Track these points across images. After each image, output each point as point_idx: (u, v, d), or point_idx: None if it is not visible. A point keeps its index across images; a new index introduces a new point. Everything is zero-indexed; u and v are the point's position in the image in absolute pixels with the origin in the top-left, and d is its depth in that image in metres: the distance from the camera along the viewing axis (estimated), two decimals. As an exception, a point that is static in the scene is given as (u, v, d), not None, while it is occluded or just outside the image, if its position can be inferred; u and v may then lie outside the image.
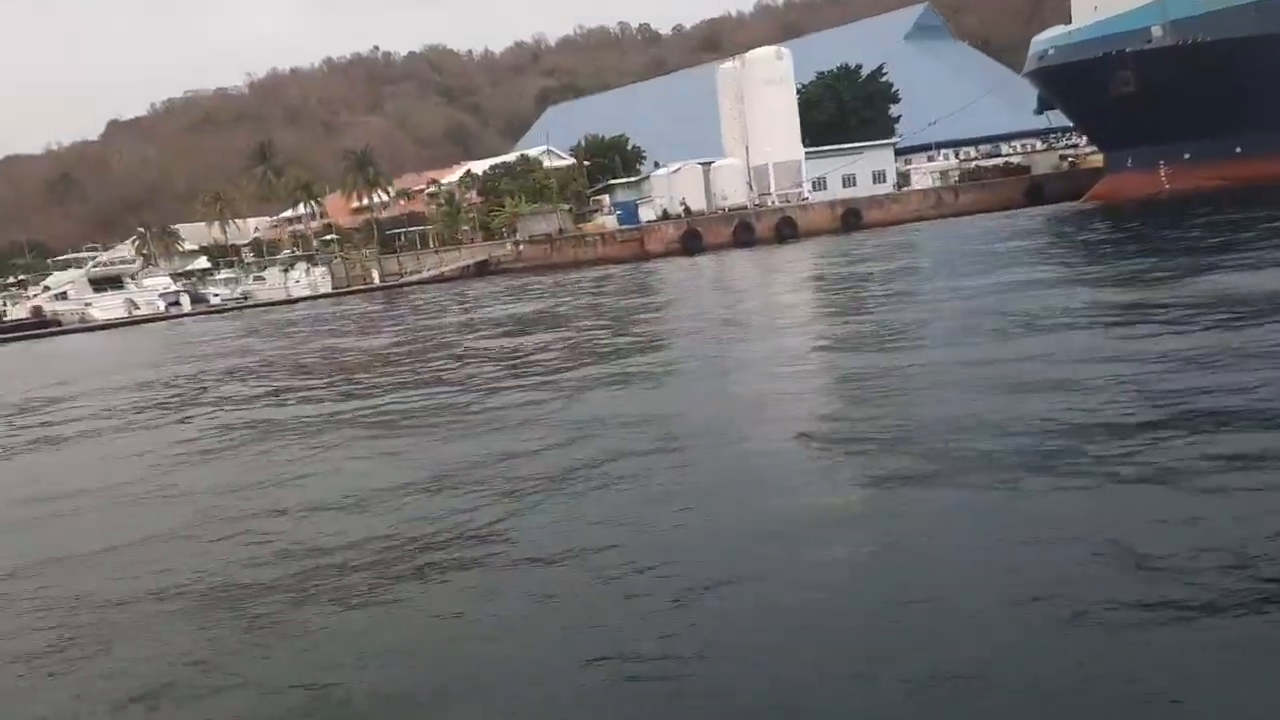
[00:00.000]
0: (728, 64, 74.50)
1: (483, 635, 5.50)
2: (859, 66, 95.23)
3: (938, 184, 77.11)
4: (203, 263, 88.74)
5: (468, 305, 36.79)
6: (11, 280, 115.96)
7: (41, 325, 57.14)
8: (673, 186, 70.74)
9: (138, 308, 60.42)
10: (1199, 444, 7.32)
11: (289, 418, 14.03)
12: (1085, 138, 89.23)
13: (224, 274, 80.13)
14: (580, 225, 74.99)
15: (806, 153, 72.45)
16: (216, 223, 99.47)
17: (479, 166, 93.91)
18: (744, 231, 63.59)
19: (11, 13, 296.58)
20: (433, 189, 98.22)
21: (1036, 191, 67.62)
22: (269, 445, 12.07)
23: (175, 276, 76.69)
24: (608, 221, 73.38)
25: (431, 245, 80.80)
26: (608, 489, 8.02)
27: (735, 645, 4.99)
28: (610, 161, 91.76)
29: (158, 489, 10.02)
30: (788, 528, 6.61)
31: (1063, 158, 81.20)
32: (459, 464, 9.53)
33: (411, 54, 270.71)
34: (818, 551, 6.11)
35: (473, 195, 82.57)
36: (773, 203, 68.76)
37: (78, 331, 55.43)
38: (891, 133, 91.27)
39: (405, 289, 64.94)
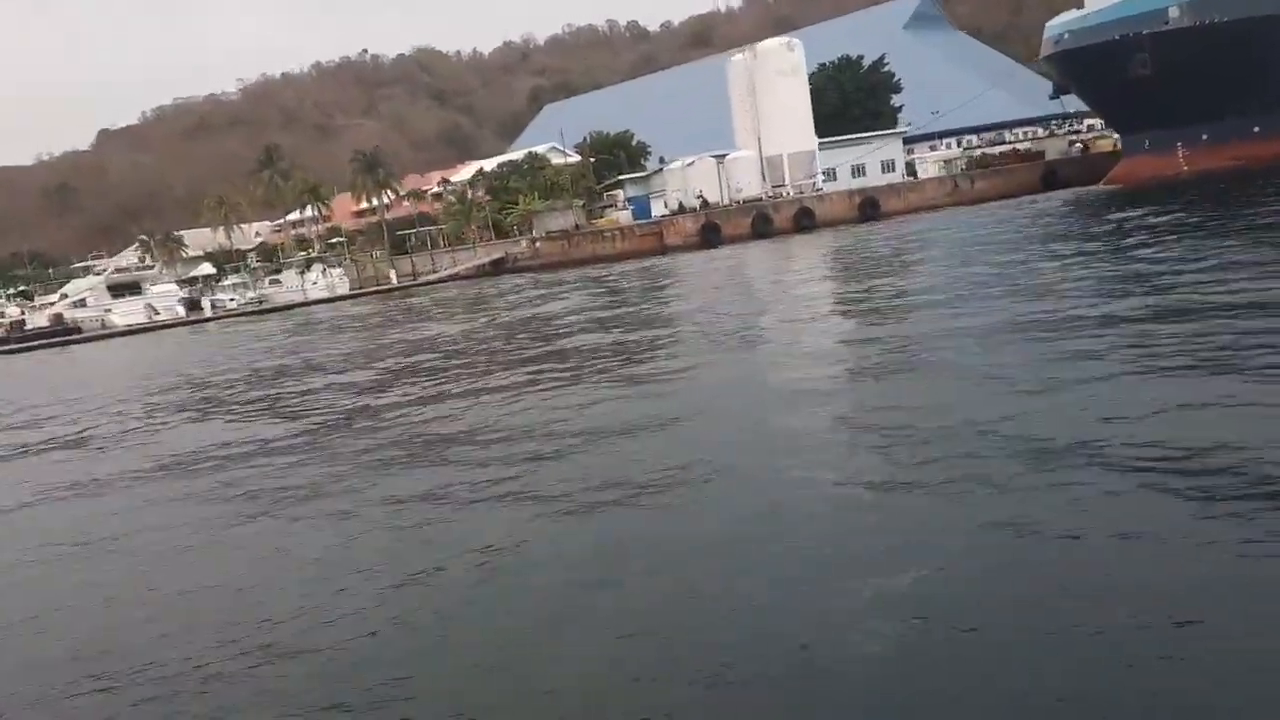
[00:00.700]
0: (738, 56, 74.40)
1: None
2: (860, 57, 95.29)
3: (942, 173, 77.26)
4: (205, 268, 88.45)
5: (510, 302, 36.43)
6: (12, 291, 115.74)
7: (63, 332, 56.72)
8: (687, 179, 70.75)
9: (158, 313, 60.15)
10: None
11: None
12: (1098, 121, 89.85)
13: (232, 279, 79.63)
14: (593, 221, 74.97)
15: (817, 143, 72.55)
16: (220, 228, 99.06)
17: (487, 165, 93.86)
18: (762, 223, 63.59)
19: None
20: (438, 189, 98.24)
21: (1052, 177, 67.75)
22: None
23: (181, 283, 76.41)
24: (621, 216, 73.39)
25: (442, 245, 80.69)
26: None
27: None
28: (616, 158, 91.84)
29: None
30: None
31: (1071, 143, 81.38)
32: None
33: (401, 56, 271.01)
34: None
35: (480, 194, 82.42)
36: (787, 194, 68.75)
37: (100, 338, 55.06)
38: (894, 123, 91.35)
39: (423, 289, 64.64)
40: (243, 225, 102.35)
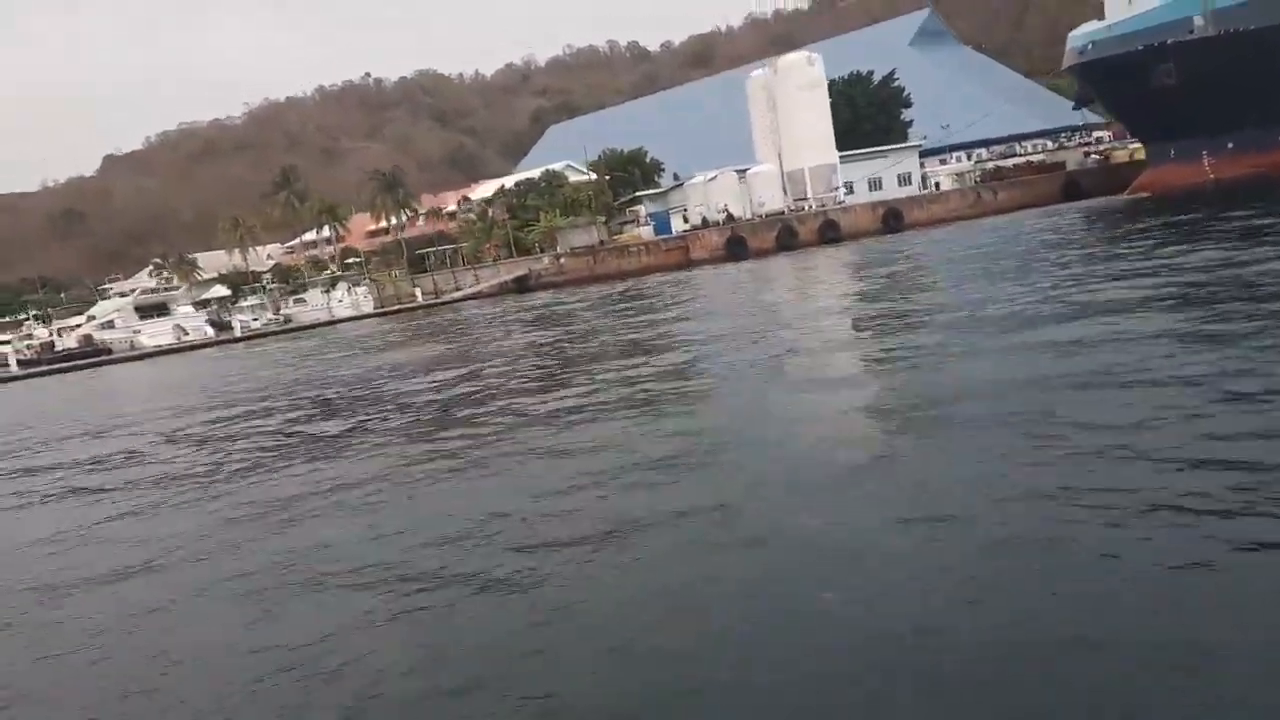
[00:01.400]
0: (758, 71, 74.86)
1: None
2: (870, 72, 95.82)
3: (954, 186, 77.54)
4: (218, 290, 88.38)
5: (552, 318, 36.19)
6: (24, 316, 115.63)
7: (93, 353, 56.62)
8: (709, 194, 70.98)
9: (186, 334, 60.11)
10: None
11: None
12: (1108, 134, 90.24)
13: (251, 300, 79.60)
14: (614, 237, 75.15)
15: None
16: (235, 250, 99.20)
17: (508, 182, 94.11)
18: (788, 236, 63.74)
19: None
20: (454, 208, 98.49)
21: (1074, 187, 67.96)
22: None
23: (196, 305, 76.40)
24: (644, 232, 73.57)
25: (461, 263, 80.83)
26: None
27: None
28: (630, 175, 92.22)
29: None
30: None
31: (1087, 154, 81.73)
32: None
33: (403, 79, 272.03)
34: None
35: (499, 212, 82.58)
36: (809, 207, 68.96)
37: (131, 359, 54.96)
38: (905, 137, 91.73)
39: (449, 306, 64.61)
40: (257, 247, 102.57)
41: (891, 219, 65.14)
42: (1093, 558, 5.50)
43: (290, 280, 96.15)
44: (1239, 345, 10.05)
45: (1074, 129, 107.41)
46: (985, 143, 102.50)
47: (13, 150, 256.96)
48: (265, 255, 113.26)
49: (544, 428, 11.78)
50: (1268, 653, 4.23)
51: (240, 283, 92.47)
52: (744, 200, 70.40)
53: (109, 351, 57.43)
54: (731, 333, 19.35)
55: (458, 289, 73.59)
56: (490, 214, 79.28)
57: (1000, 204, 66.94)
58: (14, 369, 53.50)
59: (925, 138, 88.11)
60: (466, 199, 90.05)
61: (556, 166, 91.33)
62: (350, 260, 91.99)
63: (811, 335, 17.34)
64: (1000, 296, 17.49)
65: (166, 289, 70.43)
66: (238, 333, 60.80)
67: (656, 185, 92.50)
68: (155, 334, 59.16)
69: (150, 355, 55.78)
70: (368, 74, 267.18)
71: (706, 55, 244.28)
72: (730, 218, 67.02)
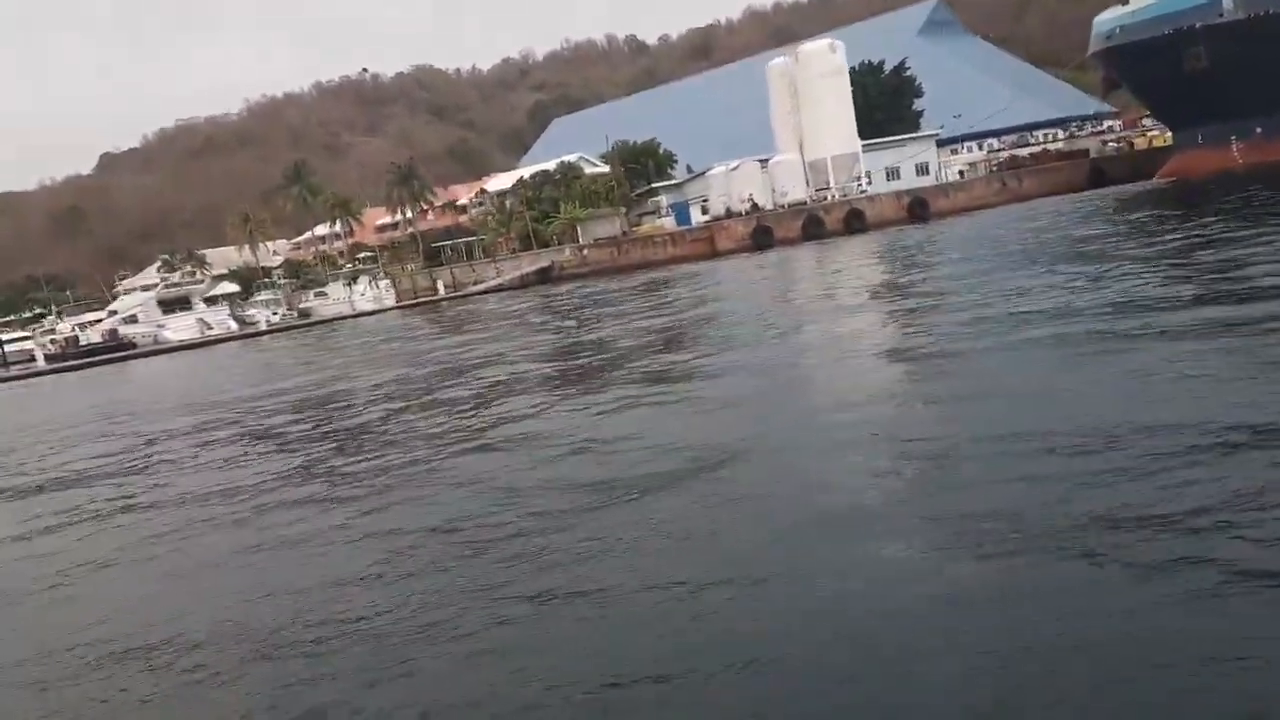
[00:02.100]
0: (778, 60, 74.59)
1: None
2: (881, 62, 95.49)
3: (969, 176, 77.39)
4: (226, 287, 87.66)
5: (591, 306, 35.64)
6: (29, 314, 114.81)
7: (118, 348, 56.11)
8: (731, 184, 70.67)
9: (210, 328, 59.65)
10: None
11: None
12: (1118, 122, 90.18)
13: (264, 295, 78.92)
14: (634, 228, 74.84)
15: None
16: (245, 246, 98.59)
17: (502, 180, 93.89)
18: (813, 225, 63.48)
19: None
20: (465, 201, 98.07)
21: (1099, 174, 67.82)
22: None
23: (208, 300, 75.79)
24: (665, 223, 73.27)
25: (478, 256, 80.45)
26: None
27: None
28: (643, 166, 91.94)
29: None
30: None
31: (1105, 142, 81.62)
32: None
33: (400, 74, 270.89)
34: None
35: (516, 204, 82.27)
36: (832, 197, 68.69)
37: (155, 354, 54.45)
38: (917, 127, 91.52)
39: (472, 299, 64.17)
40: (268, 243, 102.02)
41: (917, 208, 64.90)
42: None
43: (301, 275, 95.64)
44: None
45: (1084, 118, 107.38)
46: (998, 132, 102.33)
47: (8, 149, 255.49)
48: (272, 251, 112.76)
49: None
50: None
51: (251, 278, 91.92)
52: (766, 190, 70.10)
53: (134, 346, 56.92)
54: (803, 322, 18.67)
55: (477, 282, 73.16)
56: (509, 206, 78.86)
57: (1025, 191, 66.76)
58: (41, 364, 53.11)
59: (942, 127, 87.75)
60: (484, 191, 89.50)
61: (570, 158, 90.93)
62: (363, 255, 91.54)
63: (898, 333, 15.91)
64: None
65: (190, 282, 69.80)
66: (263, 326, 60.36)
67: (670, 177, 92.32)
68: (179, 328, 58.64)
69: (175, 350, 55.24)
70: (364, 69, 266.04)
71: (706, 48, 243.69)
72: (755, 207, 66.75)
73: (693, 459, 7.97)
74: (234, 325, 60.62)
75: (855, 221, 63.56)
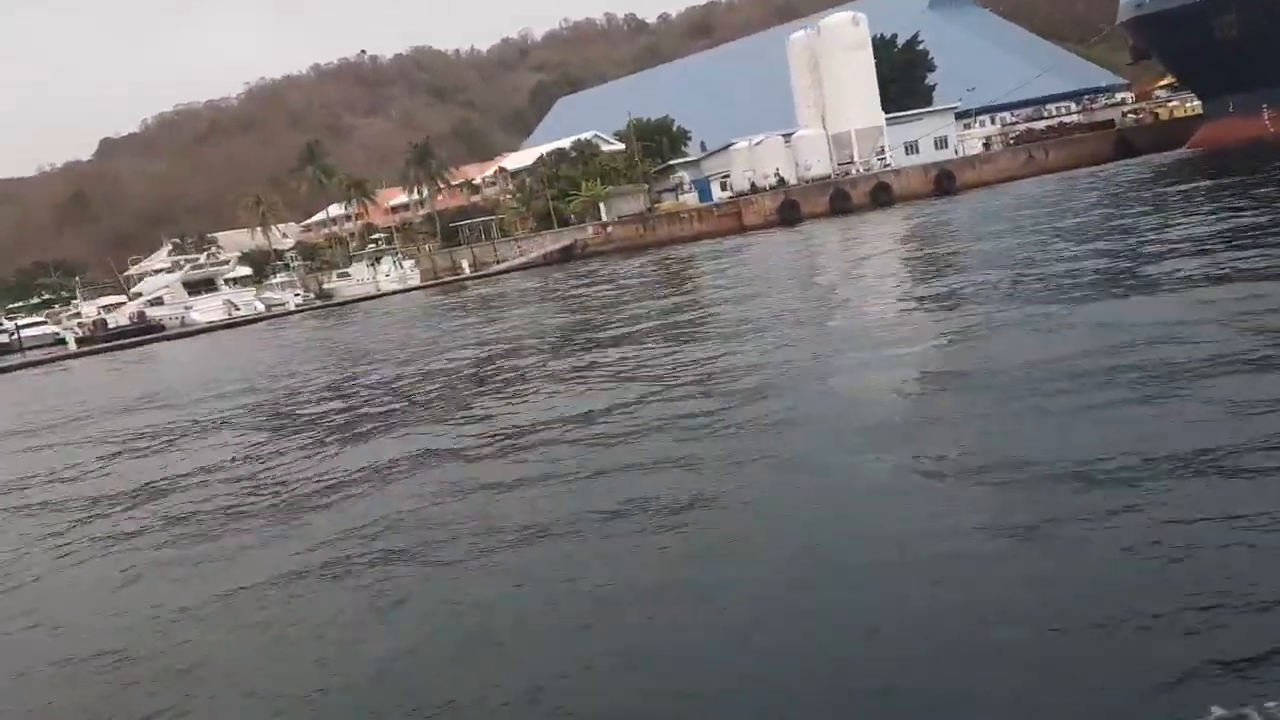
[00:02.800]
0: (799, 33, 73.92)
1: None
2: (894, 36, 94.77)
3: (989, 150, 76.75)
4: (234, 269, 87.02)
5: (625, 283, 35.23)
6: (36, 300, 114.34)
7: (147, 330, 55.76)
8: (755, 159, 70.25)
9: (237, 309, 59.29)
10: None
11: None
12: (1144, 93, 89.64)
13: (280, 278, 78.38)
14: (656, 205, 74.46)
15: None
16: (258, 229, 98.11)
17: (518, 158, 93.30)
18: (840, 199, 63.13)
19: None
20: (479, 180, 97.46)
21: (1125, 145, 67.28)
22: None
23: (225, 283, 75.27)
24: (688, 199, 72.93)
25: (495, 235, 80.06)
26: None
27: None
28: (658, 143, 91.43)
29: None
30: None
31: (1124, 114, 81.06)
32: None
33: (398, 56, 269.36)
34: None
35: (536, 182, 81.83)
36: (856, 170, 68.33)
37: (185, 335, 54.09)
38: (930, 101, 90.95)
39: (497, 277, 63.73)
40: (280, 226, 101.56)
41: (945, 181, 64.45)
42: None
43: (315, 257, 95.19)
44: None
45: (1096, 91, 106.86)
46: (1009, 106, 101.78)
47: (6, 135, 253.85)
48: (282, 234, 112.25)
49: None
50: None
51: (263, 261, 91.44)
52: (789, 164, 69.72)
53: (162, 328, 56.56)
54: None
55: (498, 261, 72.80)
56: (529, 185, 78.41)
57: (1052, 163, 66.31)
58: (73, 347, 52.77)
59: (960, 99, 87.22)
60: (502, 170, 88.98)
61: (586, 136, 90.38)
62: (375, 236, 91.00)
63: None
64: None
65: (215, 263, 69.38)
66: (291, 307, 60.01)
67: (683, 154, 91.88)
68: (206, 310, 58.24)
69: (203, 331, 54.88)
70: (363, 51, 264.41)
71: (707, 25, 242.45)
72: (781, 182, 66.37)
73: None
74: (260, 306, 60.21)
75: (882, 195, 63.18)
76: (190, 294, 60.79)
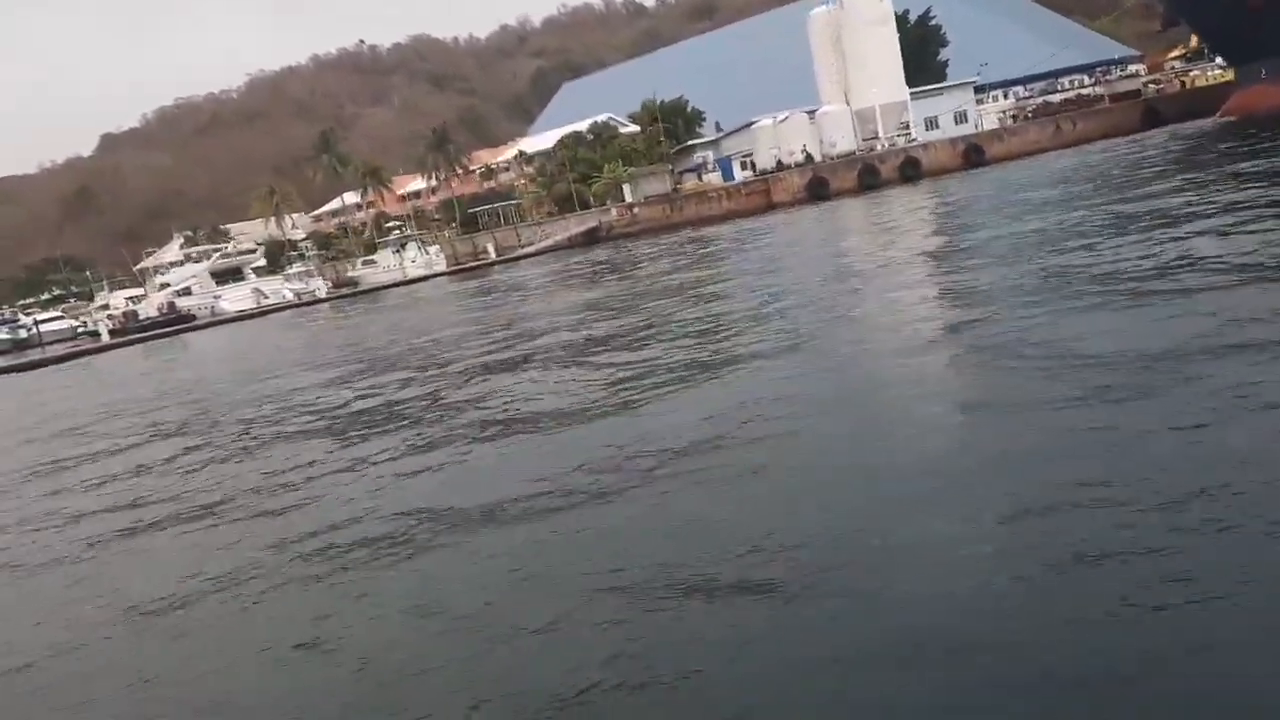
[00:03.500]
0: (820, 9, 73.25)
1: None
2: (906, 11, 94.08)
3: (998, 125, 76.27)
4: (260, 258, 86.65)
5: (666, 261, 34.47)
6: (48, 295, 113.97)
7: (178, 320, 55.38)
8: (779, 136, 69.77)
9: (266, 297, 58.92)
10: None
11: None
12: (1143, 66, 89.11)
13: (296, 268, 77.81)
14: (679, 185, 74.05)
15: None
16: (271, 219, 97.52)
17: (536, 142, 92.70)
18: (869, 175, 62.70)
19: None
20: (494, 165, 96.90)
21: (1153, 115, 66.78)
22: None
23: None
24: (712, 178, 72.49)
25: (514, 220, 79.60)
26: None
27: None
28: (673, 125, 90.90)
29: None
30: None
31: (1145, 84, 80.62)
32: None
33: (397, 45, 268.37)
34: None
35: (555, 166, 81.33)
36: (881, 146, 67.85)
37: (215, 325, 53.68)
38: (943, 76, 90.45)
39: (524, 261, 63.29)
40: (293, 215, 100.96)
41: (973, 154, 64.04)
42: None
43: (330, 246, 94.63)
44: None
45: (1109, 63, 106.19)
46: (1022, 80, 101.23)
47: (6, 133, 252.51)
48: (291, 224, 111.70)
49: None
50: None
51: (277, 251, 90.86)
52: (814, 141, 69.24)
53: (193, 318, 56.20)
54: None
55: (521, 245, 72.36)
56: (549, 169, 77.92)
57: (1080, 135, 65.84)
58: (106, 338, 52.40)
59: (978, 74, 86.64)
60: (522, 154, 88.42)
61: (601, 118, 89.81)
62: (390, 223, 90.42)
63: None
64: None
65: (242, 252, 69.01)
66: (321, 294, 59.64)
67: (699, 134, 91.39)
68: (235, 299, 57.94)
69: (233, 320, 54.53)
70: (361, 40, 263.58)
71: (708, 7, 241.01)
72: (809, 159, 65.89)
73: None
74: (289, 295, 59.83)
75: (910, 170, 62.76)
76: (218, 284, 60.38)
